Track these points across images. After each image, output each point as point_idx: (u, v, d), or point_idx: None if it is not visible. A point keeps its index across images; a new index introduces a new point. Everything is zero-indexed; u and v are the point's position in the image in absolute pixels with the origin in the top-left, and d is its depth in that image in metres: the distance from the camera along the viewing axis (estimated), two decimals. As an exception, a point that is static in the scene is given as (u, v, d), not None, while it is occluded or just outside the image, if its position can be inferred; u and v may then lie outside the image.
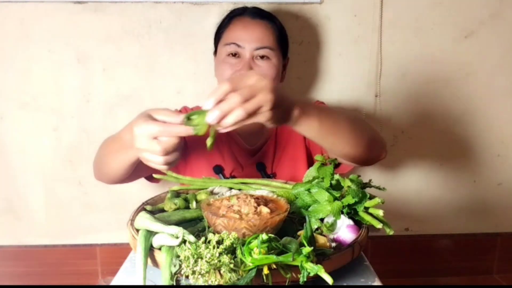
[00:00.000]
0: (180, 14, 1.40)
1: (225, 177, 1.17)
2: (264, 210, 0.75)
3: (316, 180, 0.84)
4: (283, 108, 0.73)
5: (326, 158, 0.92)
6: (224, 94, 0.67)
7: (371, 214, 0.77)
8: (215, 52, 1.21)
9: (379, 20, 1.43)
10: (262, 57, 1.11)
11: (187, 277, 0.62)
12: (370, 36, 1.45)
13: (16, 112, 1.45)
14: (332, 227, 0.77)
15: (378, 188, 0.84)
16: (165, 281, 0.66)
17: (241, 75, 0.70)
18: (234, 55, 1.12)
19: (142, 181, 1.49)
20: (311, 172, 0.89)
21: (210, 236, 0.66)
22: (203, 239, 0.66)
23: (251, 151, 1.21)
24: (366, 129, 0.97)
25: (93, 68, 1.43)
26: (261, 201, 0.78)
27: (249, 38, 1.11)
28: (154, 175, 1.05)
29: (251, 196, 0.80)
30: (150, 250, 0.71)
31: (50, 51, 1.41)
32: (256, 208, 0.75)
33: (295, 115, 0.75)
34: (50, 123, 1.46)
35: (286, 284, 0.63)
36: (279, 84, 1.09)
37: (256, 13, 1.17)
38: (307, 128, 0.80)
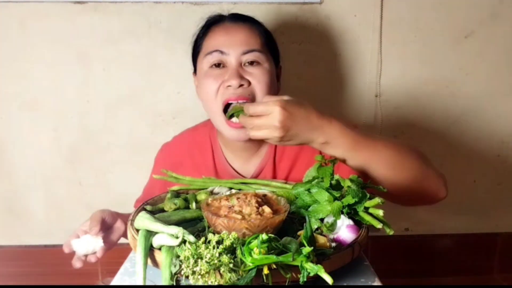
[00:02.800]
0: (180, 14, 1.40)
1: None
2: (267, 210, 0.75)
3: (316, 180, 0.84)
4: (301, 138, 0.81)
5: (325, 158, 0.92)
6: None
7: (371, 214, 0.77)
8: (195, 71, 1.08)
9: (379, 20, 1.43)
10: (251, 63, 0.98)
11: (187, 277, 0.62)
12: (370, 36, 1.45)
13: (16, 112, 1.45)
14: (332, 227, 0.77)
15: (378, 188, 0.84)
16: (165, 281, 0.66)
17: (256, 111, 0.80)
18: (218, 65, 0.98)
19: (142, 182, 1.50)
20: (311, 172, 0.89)
21: (210, 236, 0.66)
22: (203, 239, 0.66)
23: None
24: (417, 164, 0.89)
25: (93, 68, 1.43)
26: (263, 200, 0.78)
27: (234, 42, 0.97)
28: (154, 176, 1.05)
29: (254, 195, 0.79)
30: (150, 250, 0.71)
31: (50, 51, 1.41)
32: (258, 208, 0.75)
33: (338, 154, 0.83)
34: (50, 123, 1.46)
35: (286, 284, 0.63)
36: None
37: (237, 17, 1.04)
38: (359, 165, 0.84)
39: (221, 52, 0.97)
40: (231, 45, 0.97)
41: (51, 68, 1.42)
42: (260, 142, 1.07)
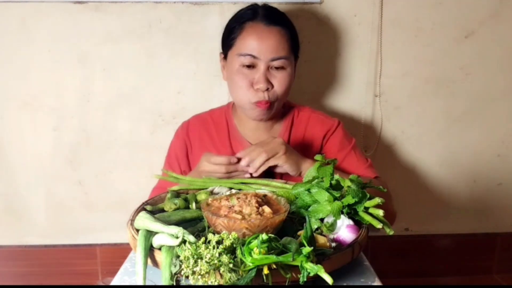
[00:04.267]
0: (180, 14, 1.40)
1: None
2: (267, 209, 0.75)
3: (316, 180, 0.84)
4: (295, 157, 1.06)
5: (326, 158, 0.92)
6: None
7: (371, 214, 0.77)
8: (225, 57, 1.19)
9: (379, 20, 1.43)
10: (277, 67, 1.12)
11: (187, 277, 0.62)
12: (370, 36, 1.45)
13: (16, 112, 1.45)
14: (332, 227, 0.77)
15: (378, 188, 0.84)
16: (165, 281, 0.66)
17: (261, 143, 1.06)
18: (249, 66, 1.12)
19: (142, 182, 1.50)
20: (311, 172, 0.89)
21: (210, 236, 0.66)
22: (203, 239, 0.66)
23: None
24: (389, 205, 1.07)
25: (93, 68, 1.43)
26: (263, 200, 0.78)
27: (265, 48, 1.10)
28: (154, 175, 1.07)
29: (254, 195, 0.79)
30: (150, 250, 0.71)
31: (50, 51, 1.41)
32: (258, 208, 0.75)
33: (307, 166, 1.05)
34: (50, 123, 1.46)
35: (286, 284, 0.64)
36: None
37: (269, 18, 1.13)
38: None
39: (253, 57, 1.11)
40: (263, 51, 1.10)
41: (51, 68, 1.42)
42: (272, 123, 1.24)
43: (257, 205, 0.76)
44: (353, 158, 1.22)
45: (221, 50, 1.22)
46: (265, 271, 0.62)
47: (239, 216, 0.73)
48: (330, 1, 1.42)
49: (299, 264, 0.62)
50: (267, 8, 1.18)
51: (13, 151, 1.48)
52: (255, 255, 0.62)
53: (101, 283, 1.55)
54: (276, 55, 1.11)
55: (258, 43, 1.10)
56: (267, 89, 1.12)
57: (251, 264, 0.62)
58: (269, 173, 1.15)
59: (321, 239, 0.72)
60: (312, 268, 0.61)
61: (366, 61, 1.47)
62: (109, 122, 1.47)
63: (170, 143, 1.30)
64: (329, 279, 0.60)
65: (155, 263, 0.71)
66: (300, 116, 1.25)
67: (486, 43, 1.48)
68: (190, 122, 1.29)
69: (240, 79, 1.12)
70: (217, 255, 0.62)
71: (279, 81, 1.12)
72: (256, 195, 0.80)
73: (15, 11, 1.37)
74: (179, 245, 0.67)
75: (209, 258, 0.61)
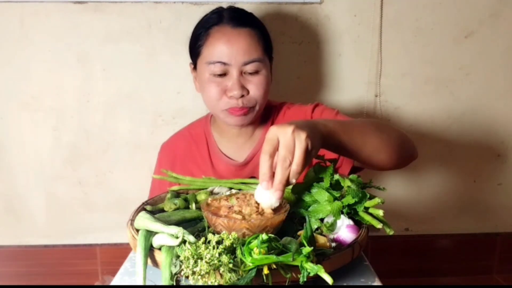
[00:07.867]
0: (180, 14, 1.40)
1: None
2: (267, 210, 0.75)
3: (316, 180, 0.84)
4: (317, 138, 0.74)
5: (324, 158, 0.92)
6: (268, 165, 0.70)
7: (371, 214, 0.77)
8: (194, 67, 1.12)
9: (379, 20, 1.43)
10: (251, 72, 1.03)
11: (187, 277, 0.62)
12: (370, 36, 1.45)
13: (16, 112, 1.45)
14: (332, 227, 0.77)
15: (378, 188, 0.84)
16: (165, 281, 0.66)
17: (271, 140, 0.70)
18: (220, 74, 1.03)
19: (142, 182, 1.50)
20: (311, 172, 0.89)
21: (210, 236, 0.66)
22: (203, 239, 0.66)
23: (239, 166, 1.15)
24: (393, 132, 0.95)
25: (93, 68, 1.43)
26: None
27: (235, 52, 1.01)
28: (154, 176, 1.07)
29: (254, 195, 0.79)
30: (150, 250, 0.71)
31: (50, 51, 1.41)
32: (258, 208, 0.75)
33: (324, 135, 0.77)
34: (50, 123, 1.46)
35: (286, 284, 0.64)
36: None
37: (236, 19, 1.05)
38: (337, 145, 0.81)
39: (224, 63, 1.02)
40: (233, 56, 1.01)
41: (51, 68, 1.42)
42: (254, 128, 1.16)
43: (257, 205, 0.76)
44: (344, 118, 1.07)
45: (190, 60, 1.15)
46: (265, 271, 0.62)
47: (239, 216, 0.72)
48: (330, 1, 1.42)
49: (299, 264, 0.62)
50: (232, 9, 1.09)
51: (13, 151, 1.48)
52: (255, 255, 0.62)
53: (101, 280, 1.55)
54: (248, 58, 1.01)
55: (227, 47, 1.01)
56: (242, 96, 1.03)
57: (251, 264, 0.62)
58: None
59: (321, 239, 0.72)
60: (312, 268, 0.61)
61: (366, 61, 1.47)
62: (109, 122, 1.47)
63: (154, 171, 1.24)
64: (329, 279, 0.60)
65: (155, 263, 0.71)
66: (279, 116, 1.18)
67: (486, 43, 1.48)
68: (169, 143, 1.24)
69: (211, 88, 1.04)
70: (217, 255, 0.62)
71: (255, 85, 1.03)
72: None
73: (15, 11, 1.37)
74: (179, 245, 0.67)
75: (209, 258, 0.61)
